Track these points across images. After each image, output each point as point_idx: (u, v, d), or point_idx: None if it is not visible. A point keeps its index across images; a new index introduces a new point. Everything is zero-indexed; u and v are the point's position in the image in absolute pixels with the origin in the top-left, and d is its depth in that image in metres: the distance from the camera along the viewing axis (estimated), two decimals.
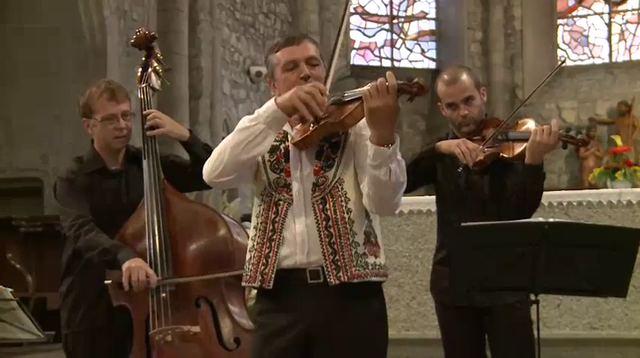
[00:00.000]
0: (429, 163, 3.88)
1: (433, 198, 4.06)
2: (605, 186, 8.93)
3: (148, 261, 3.67)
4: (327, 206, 2.86)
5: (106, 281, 3.69)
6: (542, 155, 3.67)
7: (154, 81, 3.98)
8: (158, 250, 3.69)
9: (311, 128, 2.84)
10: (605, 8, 16.56)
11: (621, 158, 9.54)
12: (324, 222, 2.84)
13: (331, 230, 2.84)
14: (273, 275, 2.87)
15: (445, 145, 3.82)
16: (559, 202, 5.94)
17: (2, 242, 7.78)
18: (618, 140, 10.93)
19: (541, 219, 3.23)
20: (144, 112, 3.88)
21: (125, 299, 3.68)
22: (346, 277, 2.82)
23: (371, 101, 2.67)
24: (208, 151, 3.37)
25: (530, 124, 3.80)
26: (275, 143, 2.94)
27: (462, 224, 3.35)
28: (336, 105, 2.84)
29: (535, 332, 3.44)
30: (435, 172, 3.90)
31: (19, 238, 7.82)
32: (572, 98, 15.49)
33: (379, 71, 15.41)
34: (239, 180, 2.96)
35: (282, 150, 2.94)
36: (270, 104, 2.82)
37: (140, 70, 4.00)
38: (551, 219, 3.22)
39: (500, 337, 3.80)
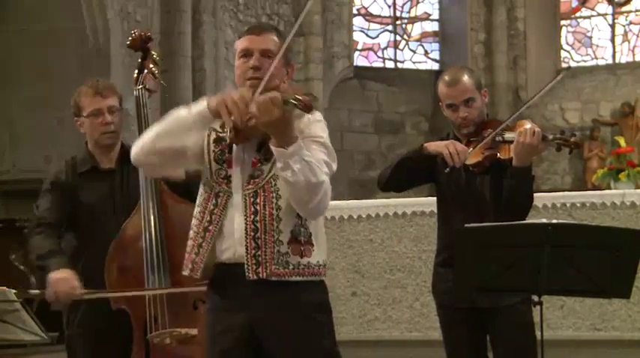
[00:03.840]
0: (418, 164, 3.84)
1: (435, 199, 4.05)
2: (609, 187, 8.90)
3: (145, 264, 3.66)
4: (258, 200, 2.85)
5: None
6: (529, 157, 3.63)
7: (151, 82, 3.95)
8: (155, 253, 3.68)
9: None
10: (609, 9, 16.53)
11: (625, 159, 9.49)
12: (252, 216, 2.84)
13: (258, 224, 2.83)
14: (202, 266, 2.88)
15: (433, 146, 3.77)
16: (562, 203, 5.94)
17: (5, 243, 7.79)
18: (622, 141, 10.91)
19: (545, 220, 3.23)
20: None
21: (124, 302, 3.67)
22: (265, 274, 2.82)
23: (258, 117, 2.71)
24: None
25: (527, 126, 3.78)
26: (222, 134, 2.96)
27: (466, 225, 3.34)
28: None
29: (538, 334, 3.43)
30: (432, 173, 3.88)
31: (23, 239, 7.82)
32: (576, 99, 15.45)
33: (382, 72, 15.41)
34: (163, 169, 3.02)
35: (228, 142, 2.95)
36: (202, 103, 2.86)
37: (136, 71, 3.98)
38: (554, 220, 3.22)
39: (502, 338, 3.78)
